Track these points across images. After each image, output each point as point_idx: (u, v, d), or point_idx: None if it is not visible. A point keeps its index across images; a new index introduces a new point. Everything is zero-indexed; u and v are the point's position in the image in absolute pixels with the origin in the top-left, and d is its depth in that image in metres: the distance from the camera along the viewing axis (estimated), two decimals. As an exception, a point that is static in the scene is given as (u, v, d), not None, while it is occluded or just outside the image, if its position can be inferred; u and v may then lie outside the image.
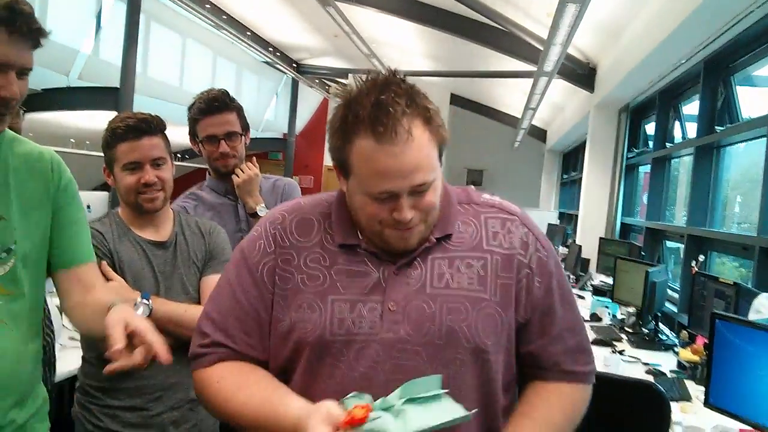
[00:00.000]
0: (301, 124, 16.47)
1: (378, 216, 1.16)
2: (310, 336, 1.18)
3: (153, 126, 1.82)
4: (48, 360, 1.93)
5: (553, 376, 1.26)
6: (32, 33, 1.23)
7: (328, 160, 17.82)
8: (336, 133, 1.16)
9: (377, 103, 1.10)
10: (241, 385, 1.19)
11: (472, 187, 1.34)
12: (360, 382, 1.15)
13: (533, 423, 1.22)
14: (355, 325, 1.18)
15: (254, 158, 2.33)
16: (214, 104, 2.22)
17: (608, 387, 1.66)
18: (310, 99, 16.42)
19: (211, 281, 1.86)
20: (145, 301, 1.71)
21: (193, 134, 2.28)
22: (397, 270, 1.20)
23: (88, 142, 7.59)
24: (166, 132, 1.87)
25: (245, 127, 2.30)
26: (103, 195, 4.15)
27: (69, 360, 2.51)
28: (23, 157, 1.36)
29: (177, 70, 11.15)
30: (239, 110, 2.29)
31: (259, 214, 2.24)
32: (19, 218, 1.31)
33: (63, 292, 1.45)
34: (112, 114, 1.89)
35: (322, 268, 1.22)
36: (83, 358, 1.84)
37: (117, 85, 8.15)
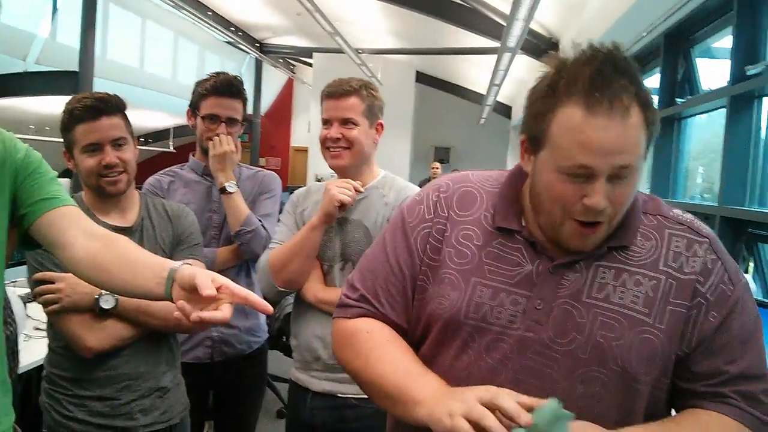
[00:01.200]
0: (266, 104, 16.32)
1: (565, 199, 1.05)
2: (446, 313, 1.14)
3: (111, 105, 1.77)
4: (11, 350, 1.89)
5: (719, 408, 1.09)
6: None
7: (294, 141, 17.73)
8: (539, 100, 1.07)
9: (598, 73, 1.01)
10: (388, 342, 1.17)
11: (660, 200, 1.19)
12: (485, 374, 1.10)
13: (678, 429, 1.09)
14: (492, 313, 1.11)
15: (239, 141, 2.35)
16: (229, 87, 2.28)
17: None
18: (274, 79, 16.25)
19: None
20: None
21: (194, 107, 2.32)
22: (554, 268, 1.11)
23: (48, 128, 7.41)
24: (127, 114, 1.83)
25: (245, 118, 2.36)
26: (65, 182, 4.08)
27: (35, 350, 2.48)
28: None
29: (137, 52, 10.95)
30: (245, 102, 2.36)
31: (228, 190, 2.25)
32: None
33: (59, 240, 1.31)
34: (71, 99, 1.85)
35: (473, 247, 1.16)
36: (49, 347, 1.81)
37: (76, 68, 7.98)
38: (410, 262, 1.20)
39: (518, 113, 12.44)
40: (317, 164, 12.39)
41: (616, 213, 1.06)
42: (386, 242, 1.24)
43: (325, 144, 1.96)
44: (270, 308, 1.16)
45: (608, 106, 0.99)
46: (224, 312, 1.13)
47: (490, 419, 0.93)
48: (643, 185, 5.92)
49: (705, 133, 5.18)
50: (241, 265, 2.35)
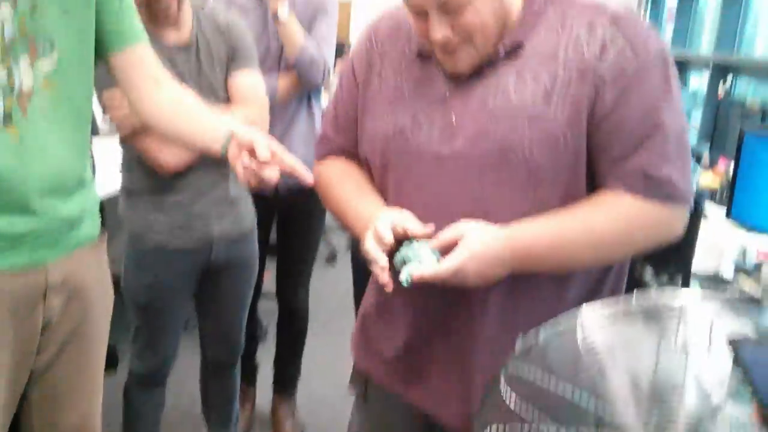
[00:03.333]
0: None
1: (422, 33, 1.13)
2: (375, 143, 1.23)
3: None
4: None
5: (617, 184, 1.11)
6: None
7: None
8: None
9: None
10: (336, 184, 1.31)
11: None
12: (415, 188, 1.19)
13: (570, 216, 1.11)
14: (413, 136, 1.18)
15: None
16: None
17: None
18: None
19: (239, 81, 1.84)
20: None
21: None
22: (463, 83, 1.15)
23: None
24: None
25: None
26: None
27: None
28: None
29: None
30: None
31: (280, 17, 2.18)
32: (60, 10, 1.25)
33: (126, 81, 1.38)
34: None
35: (397, 76, 1.22)
36: (123, 165, 1.88)
37: None
38: (355, 93, 1.29)
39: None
40: (362, 21, 11.99)
41: (470, 38, 1.09)
42: (339, 80, 1.34)
43: None
44: (310, 179, 1.30)
45: None
46: (273, 174, 1.29)
47: (369, 245, 1.12)
48: (709, 36, 5.63)
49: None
50: (301, 98, 2.33)
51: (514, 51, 1.13)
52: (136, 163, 1.80)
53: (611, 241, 1.13)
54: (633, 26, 1.11)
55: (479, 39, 1.10)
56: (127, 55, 1.36)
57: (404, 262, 1.08)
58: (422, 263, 1.06)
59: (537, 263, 1.11)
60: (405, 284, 1.06)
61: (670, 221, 1.15)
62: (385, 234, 1.10)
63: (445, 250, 1.07)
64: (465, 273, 1.06)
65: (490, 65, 1.14)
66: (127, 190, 1.85)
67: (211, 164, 1.80)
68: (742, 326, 0.74)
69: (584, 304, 0.86)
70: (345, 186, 1.29)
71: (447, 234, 1.08)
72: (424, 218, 1.13)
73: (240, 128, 1.33)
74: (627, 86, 1.08)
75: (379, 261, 1.10)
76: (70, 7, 1.24)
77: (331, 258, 4.45)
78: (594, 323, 0.78)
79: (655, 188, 1.10)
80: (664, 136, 1.10)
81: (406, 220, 1.12)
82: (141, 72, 1.38)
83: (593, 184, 1.15)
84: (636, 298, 0.80)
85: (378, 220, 1.12)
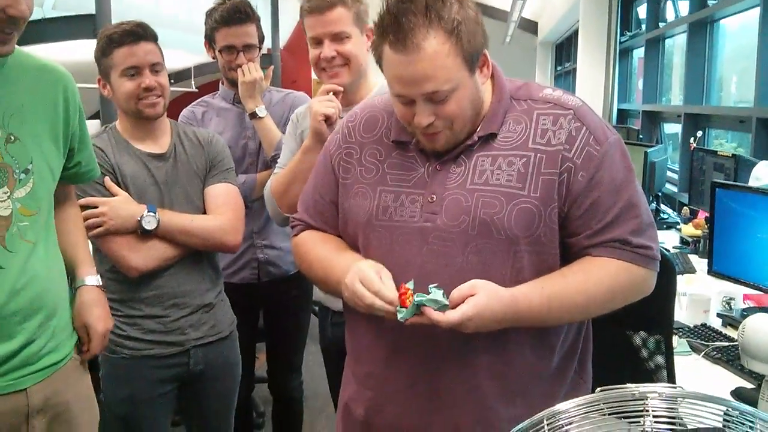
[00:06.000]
0: (284, 37, 16.01)
1: (405, 118, 1.26)
2: (362, 219, 1.33)
3: (149, 32, 1.81)
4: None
5: (600, 252, 1.25)
6: None
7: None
8: (374, 38, 1.26)
9: (393, 13, 1.18)
10: (315, 246, 1.41)
11: (535, 82, 1.34)
12: (400, 262, 1.28)
13: (563, 279, 1.24)
14: (396, 213, 1.30)
15: (271, 67, 2.39)
16: (237, 15, 2.23)
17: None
18: (290, 9, 15.91)
19: (215, 190, 1.89)
20: (151, 213, 1.75)
21: (210, 40, 2.30)
22: (441, 165, 1.29)
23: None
24: None
25: (261, 39, 2.32)
26: (95, 123, 4.10)
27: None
28: (33, 74, 1.35)
29: (152, -9, 10.78)
30: (258, 22, 2.30)
31: (258, 114, 2.25)
32: (33, 137, 1.30)
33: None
34: (91, 43, 1.87)
35: (377, 162, 1.35)
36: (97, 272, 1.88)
37: (92, 11, 7.89)
38: (331, 183, 1.41)
39: (545, 28, 12.12)
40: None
41: (451, 124, 1.24)
42: (316, 168, 1.47)
43: (320, 65, 1.82)
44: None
45: (402, 45, 1.17)
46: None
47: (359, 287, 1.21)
48: (676, 99, 5.77)
49: (738, 41, 4.98)
50: None
51: (487, 139, 1.27)
52: (107, 272, 1.82)
53: (598, 300, 1.26)
54: (592, 120, 1.28)
55: (458, 125, 1.25)
56: (68, 189, 1.56)
57: (418, 305, 1.17)
58: (437, 305, 1.16)
59: (533, 321, 1.24)
60: (406, 316, 1.17)
61: (647, 281, 1.30)
62: (374, 278, 1.20)
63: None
64: (466, 326, 1.17)
65: (466, 151, 1.28)
66: None
67: (184, 271, 1.84)
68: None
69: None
70: (324, 247, 1.39)
71: (463, 291, 1.17)
72: None
73: (80, 291, 1.52)
74: (597, 170, 1.24)
75: (388, 294, 1.19)
76: (46, 136, 1.33)
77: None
78: (566, 418, 0.79)
79: (636, 254, 1.25)
80: (636, 210, 1.26)
81: (382, 270, 1.23)
82: (64, 199, 1.54)
83: (564, 254, 1.28)
84: (606, 392, 0.81)
85: (362, 264, 1.24)
